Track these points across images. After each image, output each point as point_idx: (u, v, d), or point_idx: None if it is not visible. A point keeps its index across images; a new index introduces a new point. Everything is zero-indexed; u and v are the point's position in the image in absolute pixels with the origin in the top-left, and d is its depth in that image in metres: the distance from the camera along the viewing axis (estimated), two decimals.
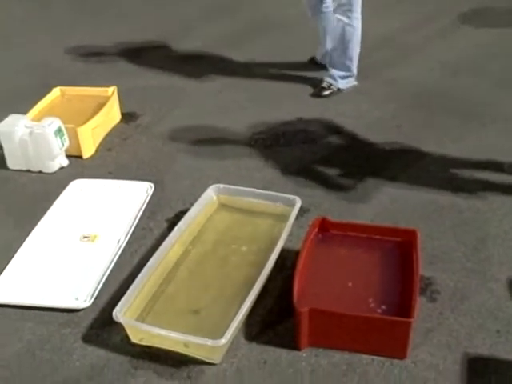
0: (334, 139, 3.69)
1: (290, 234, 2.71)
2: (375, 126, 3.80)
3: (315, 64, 4.63)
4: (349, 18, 4.01)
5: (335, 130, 3.77)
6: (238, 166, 3.43)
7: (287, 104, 4.12)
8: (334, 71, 4.24)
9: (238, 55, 4.88)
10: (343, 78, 4.25)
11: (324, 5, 4.15)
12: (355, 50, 4.16)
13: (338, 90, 4.24)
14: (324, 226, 2.67)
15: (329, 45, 4.25)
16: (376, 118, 3.91)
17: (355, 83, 4.30)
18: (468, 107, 3.99)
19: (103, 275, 2.62)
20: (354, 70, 4.26)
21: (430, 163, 3.40)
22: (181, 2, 6.19)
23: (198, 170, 3.41)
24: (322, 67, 4.45)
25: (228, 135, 3.76)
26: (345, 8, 3.97)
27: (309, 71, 4.56)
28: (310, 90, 4.30)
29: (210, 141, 3.72)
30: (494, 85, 4.27)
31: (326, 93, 4.23)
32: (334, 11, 4.05)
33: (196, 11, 5.91)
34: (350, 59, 4.18)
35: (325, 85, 4.25)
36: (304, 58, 4.73)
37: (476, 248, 2.73)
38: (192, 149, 3.64)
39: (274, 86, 4.41)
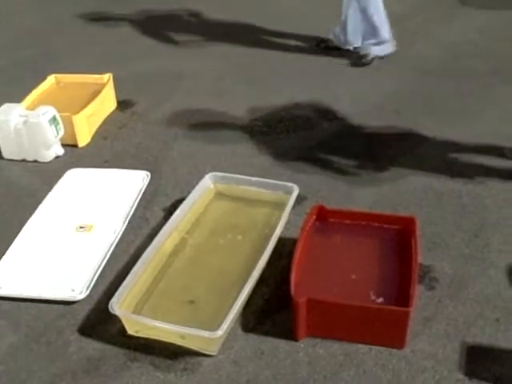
0: (331, 125, 3.65)
1: (288, 222, 2.69)
2: (374, 111, 3.76)
3: (324, 48, 4.60)
4: None
5: (333, 115, 3.74)
6: (235, 154, 3.39)
7: (285, 90, 4.07)
8: (365, 41, 4.37)
9: (237, 40, 4.82)
10: (376, 44, 4.34)
11: None
12: (376, 14, 4.23)
13: (376, 57, 4.35)
14: (322, 213, 2.64)
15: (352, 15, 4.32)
16: (374, 102, 3.87)
17: (391, 49, 4.39)
18: (468, 91, 3.95)
19: (99, 266, 2.59)
20: (385, 35, 4.32)
21: (429, 148, 3.36)
22: None
23: (195, 157, 3.37)
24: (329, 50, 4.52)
25: (225, 122, 3.73)
26: None
27: (308, 55, 4.52)
28: (310, 73, 4.27)
29: (206, 128, 3.68)
30: (494, 68, 4.23)
31: (365, 60, 4.34)
32: None
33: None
34: (373, 25, 4.26)
35: (362, 54, 4.38)
36: (305, 43, 4.69)
37: (475, 234, 2.71)
38: (188, 136, 3.60)
39: (272, 70, 4.36)
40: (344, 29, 4.40)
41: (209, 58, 4.59)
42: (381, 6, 4.22)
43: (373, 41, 4.34)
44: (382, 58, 4.36)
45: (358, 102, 3.88)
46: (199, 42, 4.89)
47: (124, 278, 2.37)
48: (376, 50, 4.35)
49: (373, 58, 4.34)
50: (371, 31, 4.31)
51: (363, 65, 4.32)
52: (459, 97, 3.87)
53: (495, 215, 2.82)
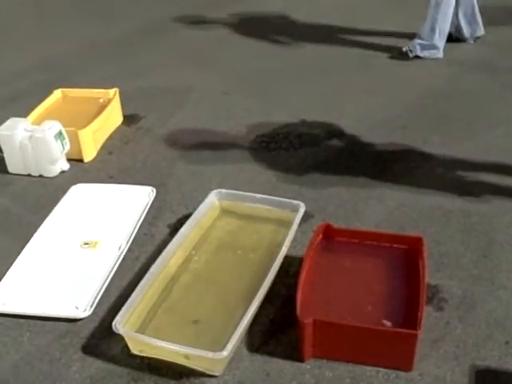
0: (337, 142, 3.63)
1: (294, 240, 2.66)
2: (380, 128, 3.74)
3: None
4: None
5: (339, 132, 3.72)
6: (240, 170, 3.37)
7: (291, 106, 4.06)
8: (417, 39, 4.53)
9: (243, 56, 4.82)
10: (425, 47, 4.51)
11: None
12: (439, 19, 4.37)
13: (416, 56, 4.56)
14: (328, 232, 2.61)
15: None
16: (381, 119, 3.85)
17: (439, 56, 4.53)
18: (475, 108, 3.93)
19: (103, 283, 2.57)
20: (437, 43, 4.47)
21: (436, 166, 3.34)
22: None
23: (200, 173, 3.36)
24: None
25: (231, 138, 3.71)
26: None
27: (314, 71, 4.52)
28: (317, 89, 4.25)
29: (212, 144, 3.66)
30: (501, 85, 4.21)
31: (408, 55, 4.54)
32: None
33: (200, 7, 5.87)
34: (433, 29, 4.40)
35: (404, 49, 4.56)
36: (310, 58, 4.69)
37: (483, 254, 2.68)
38: (194, 152, 3.59)
39: (278, 86, 4.35)
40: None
41: (215, 74, 4.59)
42: (450, 15, 4.40)
43: (425, 42, 4.49)
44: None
45: (364, 118, 3.86)
46: (206, 57, 4.88)
47: (128, 295, 2.35)
48: (423, 52, 4.54)
49: (408, 56, 4.54)
50: (429, 33, 4.45)
51: (402, 58, 4.53)
52: (466, 113, 3.85)
53: (504, 235, 2.79)
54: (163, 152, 3.60)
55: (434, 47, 4.52)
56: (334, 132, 3.72)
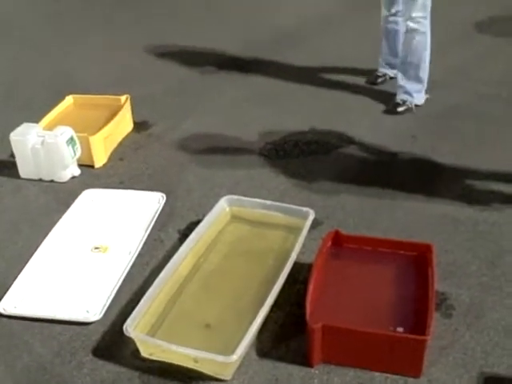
0: (347, 150, 3.65)
1: (303, 247, 2.68)
2: (390, 137, 3.75)
3: (374, 83, 4.41)
4: (422, 25, 3.86)
5: (349, 140, 3.73)
6: (250, 177, 3.40)
7: (301, 114, 4.09)
8: (408, 87, 4.06)
9: (254, 66, 4.86)
10: (418, 91, 4.08)
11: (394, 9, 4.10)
12: (427, 59, 4.01)
13: (416, 106, 4.07)
14: (337, 239, 2.63)
15: (401, 57, 4.08)
16: (391, 128, 3.87)
17: (428, 96, 4.14)
18: (485, 118, 3.94)
19: (114, 288, 2.59)
20: (426, 81, 4.09)
21: (446, 175, 3.35)
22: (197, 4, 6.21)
23: (210, 180, 3.38)
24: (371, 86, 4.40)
25: (241, 145, 3.74)
26: (417, 14, 3.82)
27: (323, 78, 4.54)
28: (326, 98, 4.29)
29: (222, 150, 3.69)
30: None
31: (401, 109, 4.03)
32: (406, 19, 3.90)
33: (215, 17, 5.92)
34: (424, 71, 4.03)
35: (399, 100, 4.06)
36: (320, 66, 4.72)
37: (492, 262, 2.68)
38: (204, 158, 3.62)
39: (288, 94, 4.38)
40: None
41: (225, 81, 4.62)
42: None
43: (417, 87, 4.08)
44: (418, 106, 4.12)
45: (374, 127, 3.88)
46: (218, 65, 4.92)
47: (139, 300, 2.37)
48: (418, 99, 4.09)
49: (408, 109, 4.05)
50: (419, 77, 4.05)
51: (398, 113, 4.03)
52: (476, 123, 3.86)
53: None
54: (173, 159, 3.63)
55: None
56: (344, 140, 3.74)
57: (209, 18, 5.95)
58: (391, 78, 4.38)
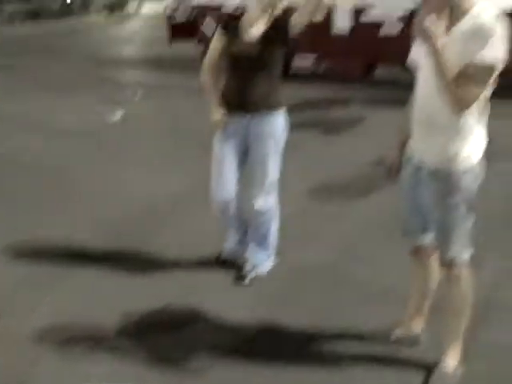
0: (200, 325, 3.59)
1: None
2: (243, 308, 3.75)
3: (223, 262, 4.30)
4: (270, 201, 3.97)
5: (203, 314, 3.67)
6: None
7: None
8: (258, 255, 4.12)
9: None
10: (268, 258, 4.14)
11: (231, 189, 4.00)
12: (275, 228, 4.09)
13: (262, 273, 4.10)
14: None
15: (249, 232, 4.12)
16: (242, 300, 3.86)
17: (275, 261, 4.18)
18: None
19: None
20: (273, 249, 4.15)
21: None
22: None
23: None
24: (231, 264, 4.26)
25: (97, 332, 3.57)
26: (266, 191, 3.93)
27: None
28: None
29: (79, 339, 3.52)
30: None
31: (252, 277, 4.07)
32: (253, 197, 3.97)
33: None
34: (273, 239, 4.11)
35: (249, 268, 4.09)
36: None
37: None
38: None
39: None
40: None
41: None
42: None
43: (266, 255, 4.13)
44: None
45: (225, 298, 3.82)
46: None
47: None
48: (266, 266, 4.14)
49: (257, 276, 4.09)
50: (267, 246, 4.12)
51: (246, 283, 4.06)
52: None
53: None
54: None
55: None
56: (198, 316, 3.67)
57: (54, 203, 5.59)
58: (238, 252, 4.27)
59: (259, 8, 3.75)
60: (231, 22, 3.86)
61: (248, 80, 3.76)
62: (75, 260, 4.41)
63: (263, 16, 3.77)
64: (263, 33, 3.74)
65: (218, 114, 3.90)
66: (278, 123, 3.86)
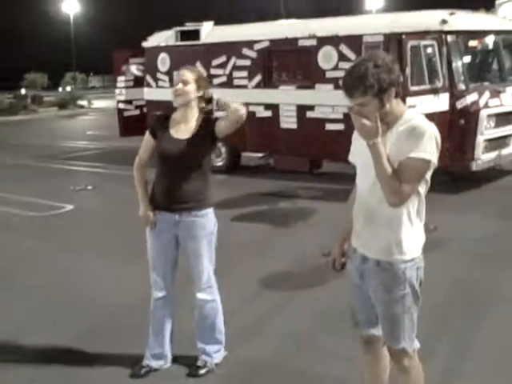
0: None
1: None
2: None
3: (139, 376, 4.04)
4: (212, 294, 3.95)
5: None
6: None
7: None
8: (207, 348, 4.03)
9: None
10: (217, 351, 4.07)
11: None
12: (221, 319, 4.05)
13: (216, 364, 4.04)
14: None
15: (196, 321, 4.06)
16: None
17: (226, 352, 4.13)
18: None
19: None
20: (223, 340, 4.10)
21: None
22: None
23: None
24: None
25: None
26: (206, 285, 3.92)
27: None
28: None
29: None
30: None
31: (203, 371, 3.99)
32: (196, 290, 3.96)
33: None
34: (220, 331, 4.06)
35: (200, 363, 4.02)
36: None
37: None
38: None
39: None
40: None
41: None
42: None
43: (216, 347, 4.06)
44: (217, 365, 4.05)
45: None
46: None
47: None
48: (217, 358, 4.06)
49: (209, 370, 4.00)
50: (217, 339, 4.07)
51: (200, 376, 3.96)
52: None
53: None
54: None
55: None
56: None
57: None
58: (156, 369, 4.07)
59: (188, 107, 3.84)
60: (160, 122, 3.94)
61: (176, 178, 3.83)
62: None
63: (191, 115, 3.86)
64: (192, 132, 3.83)
65: (145, 210, 3.94)
66: (207, 220, 3.90)
